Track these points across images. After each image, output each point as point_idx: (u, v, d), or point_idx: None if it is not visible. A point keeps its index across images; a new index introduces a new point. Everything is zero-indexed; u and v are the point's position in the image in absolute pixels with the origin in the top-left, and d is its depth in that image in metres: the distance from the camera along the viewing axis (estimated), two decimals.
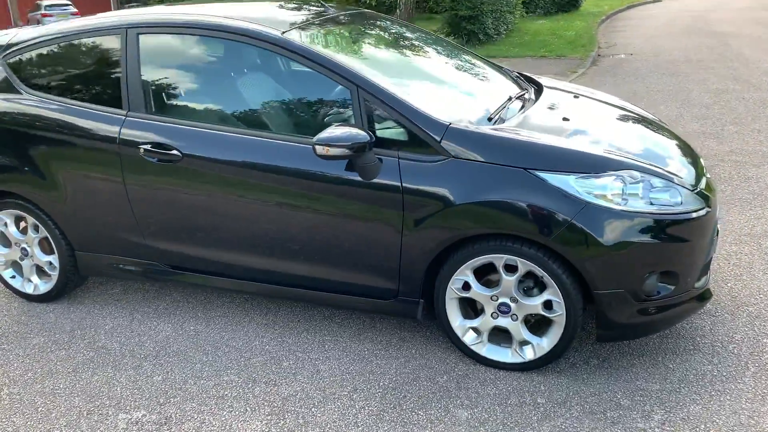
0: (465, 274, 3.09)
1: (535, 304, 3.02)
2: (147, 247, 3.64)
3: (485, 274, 3.14)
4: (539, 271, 2.95)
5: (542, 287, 3.03)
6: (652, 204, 2.91)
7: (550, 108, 3.56)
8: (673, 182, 3.01)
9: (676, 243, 2.93)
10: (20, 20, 30.43)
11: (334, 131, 2.94)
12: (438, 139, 3.00)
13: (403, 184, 3.01)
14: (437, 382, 3.13)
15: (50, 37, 3.76)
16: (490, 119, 3.28)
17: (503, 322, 3.13)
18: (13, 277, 4.08)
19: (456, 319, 3.21)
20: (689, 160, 3.40)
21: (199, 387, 3.18)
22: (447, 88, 3.65)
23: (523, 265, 2.97)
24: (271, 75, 3.55)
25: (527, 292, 3.07)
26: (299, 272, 3.39)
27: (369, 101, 3.08)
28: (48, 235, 3.87)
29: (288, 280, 3.44)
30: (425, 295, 3.23)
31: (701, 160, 3.55)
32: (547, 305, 3.04)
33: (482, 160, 2.96)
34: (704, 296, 3.17)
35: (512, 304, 3.07)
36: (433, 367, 3.24)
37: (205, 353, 3.44)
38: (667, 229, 2.90)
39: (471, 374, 3.17)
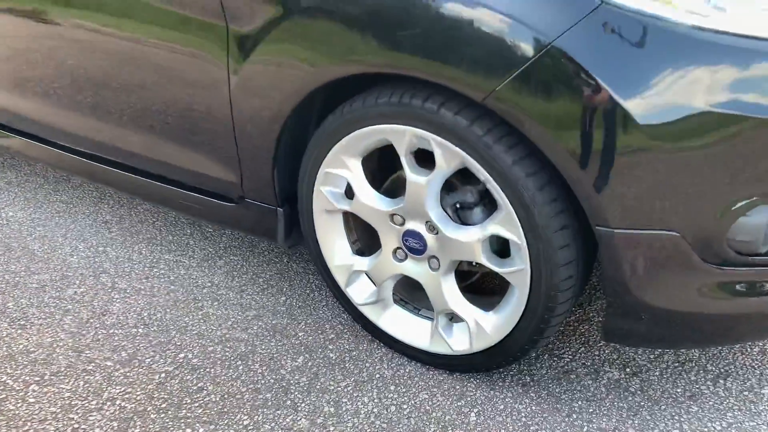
0: (342, 163, 1.47)
1: (468, 240, 1.36)
2: None
3: (394, 170, 1.51)
4: (479, 170, 1.27)
5: (492, 207, 1.35)
6: None
7: None
8: None
9: None
10: None
11: None
12: None
13: None
14: (280, 372, 1.60)
15: None
16: None
17: (413, 269, 1.50)
18: None
19: (336, 252, 1.62)
20: None
21: None
22: None
23: (445, 151, 1.30)
24: None
25: (461, 213, 1.41)
26: (103, 139, 1.94)
27: None
28: None
29: (94, 150, 2.01)
30: (293, 201, 1.67)
31: None
32: (503, 251, 1.38)
33: None
34: None
35: (428, 236, 1.43)
36: (299, 339, 1.70)
37: None
38: None
39: (351, 363, 1.61)
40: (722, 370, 1.52)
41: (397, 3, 1.22)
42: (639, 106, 1.09)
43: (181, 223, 2.27)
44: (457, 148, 1.27)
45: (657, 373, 1.52)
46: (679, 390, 1.48)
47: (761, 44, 1.09)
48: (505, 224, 1.29)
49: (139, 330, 1.76)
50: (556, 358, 1.58)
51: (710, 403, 1.44)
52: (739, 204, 1.15)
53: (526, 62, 1.13)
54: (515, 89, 1.15)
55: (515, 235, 1.29)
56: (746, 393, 1.47)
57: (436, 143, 1.30)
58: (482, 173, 1.27)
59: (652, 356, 1.57)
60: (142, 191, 1.98)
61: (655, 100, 1.09)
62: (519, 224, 1.27)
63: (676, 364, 1.55)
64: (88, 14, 1.73)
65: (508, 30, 1.13)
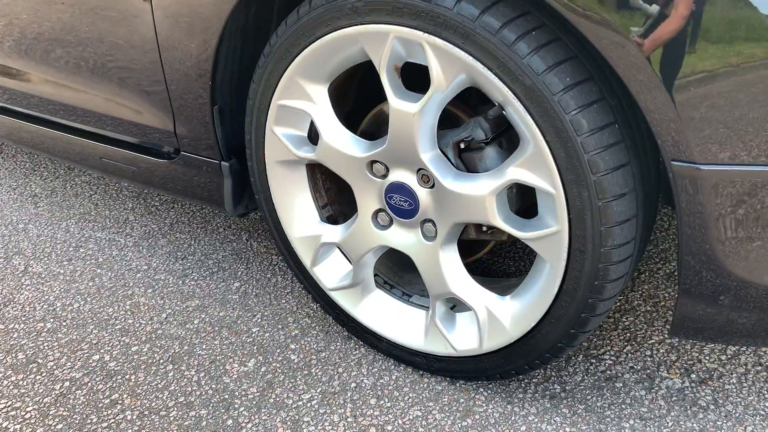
0: (301, 92, 1.06)
1: (477, 194, 0.95)
2: None
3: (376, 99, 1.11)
4: (495, 86, 0.86)
5: (512, 145, 0.94)
6: None
7: None
8: None
9: None
10: None
11: None
12: None
13: None
14: (223, 380, 1.20)
15: None
16: None
17: (400, 239, 1.09)
18: None
19: (298, 219, 1.21)
20: None
21: None
22: None
23: (445, 60, 0.89)
24: None
25: (466, 157, 1.00)
26: (21, 88, 1.55)
27: None
28: None
29: (11, 102, 1.62)
30: (242, 154, 1.26)
31: None
32: (526, 209, 0.97)
33: None
34: None
35: (420, 190, 1.02)
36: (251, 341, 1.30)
37: None
38: None
39: (319, 368, 1.20)
40: None
41: None
42: None
43: (123, 197, 1.86)
44: (463, 53, 0.87)
45: (733, 381, 1.12)
46: None
47: None
48: (533, 166, 0.89)
49: (47, 324, 1.36)
50: (594, 360, 1.17)
51: None
52: None
53: None
54: None
55: (547, 182, 0.88)
56: None
57: (431, 49, 0.89)
58: (499, 89, 0.86)
59: (723, 357, 1.16)
60: (60, 149, 1.58)
61: None
62: (554, 164, 0.86)
63: (759, 368, 1.14)
64: None
65: None
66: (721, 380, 1.12)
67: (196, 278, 1.48)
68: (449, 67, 0.90)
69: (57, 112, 1.53)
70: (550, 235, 0.92)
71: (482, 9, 0.84)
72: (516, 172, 0.91)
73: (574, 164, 0.84)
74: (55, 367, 1.24)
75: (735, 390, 1.10)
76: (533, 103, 0.84)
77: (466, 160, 1.00)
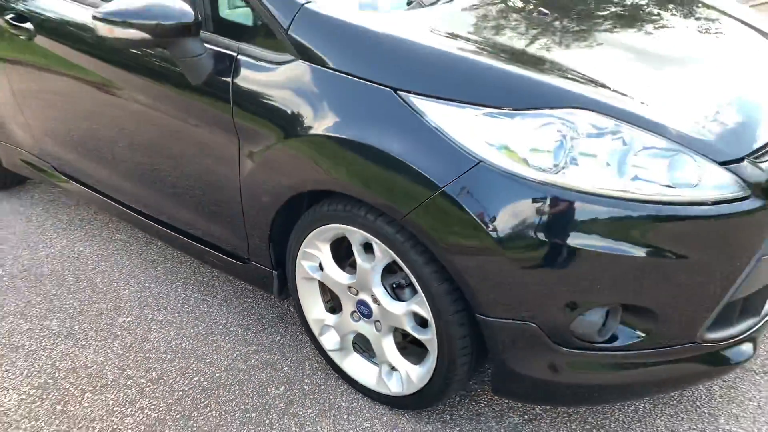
0: (315, 246, 1.98)
1: (397, 313, 1.85)
2: (37, 141, 2.98)
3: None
4: (403, 266, 1.77)
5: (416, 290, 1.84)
6: (630, 178, 1.55)
7: None
8: (682, 145, 1.59)
9: (655, 258, 1.55)
10: None
11: (129, 2, 1.92)
12: (285, 26, 1.86)
13: (234, 98, 1.94)
14: (265, 398, 2.12)
15: None
16: (408, 3, 2.03)
17: (365, 329, 2.00)
18: None
19: (312, 309, 2.14)
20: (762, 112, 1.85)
21: None
22: None
23: (381, 249, 1.80)
24: None
25: (397, 291, 1.90)
26: (148, 201, 2.52)
27: None
28: None
29: (142, 207, 2.60)
30: (283, 267, 2.19)
31: None
32: (424, 321, 1.86)
33: (333, 66, 1.78)
34: (721, 359, 1.74)
35: (373, 306, 1.92)
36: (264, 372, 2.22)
37: None
38: (641, 232, 1.54)
39: (319, 395, 2.11)
40: (598, 422, 1.95)
41: (336, 147, 1.73)
42: (496, 225, 1.55)
43: (210, 266, 2.82)
44: (388, 249, 1.77)
45: (548, 421, 1.97)
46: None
47: (572, 195, 1.52)
48: (421, 305, 1.78)
49: (167, 356, 2.31)
50: (474, 402, 2.05)
51: None
52: (578, 306, 1.59)
53: (423, 200, 1.60)
54: (416, 215, 1.63)
55: (426, 314, 1.77)
56: None
57: (377, 244, 1.80)
58: (405, 268, 1.76)
59: (549, 407, 2.02)
60: (177, 244, 2.54)
61: (507, 223, 1.54)
62: (428, 307, 1.75)
63: (565, 415, 1.99)
64: (145, 91, 2.29)
65: (417, 177, 1.61)
66: (540, 420, 1.97)
67: (254, 331, 2.41)
68: (386, 253, 1.79)
69: (178, 222, 2.49)
70: (430, 339, 1.80)
71: (396, 230, 1.73)
72: (415, 306, 1.80)
73: (437, 308, 1.72)
74: (173, 383, 2.19)
75: (546, 427, 1.95)
76: (418, 277, 1.73)
77: (397, 293, 1.90)
